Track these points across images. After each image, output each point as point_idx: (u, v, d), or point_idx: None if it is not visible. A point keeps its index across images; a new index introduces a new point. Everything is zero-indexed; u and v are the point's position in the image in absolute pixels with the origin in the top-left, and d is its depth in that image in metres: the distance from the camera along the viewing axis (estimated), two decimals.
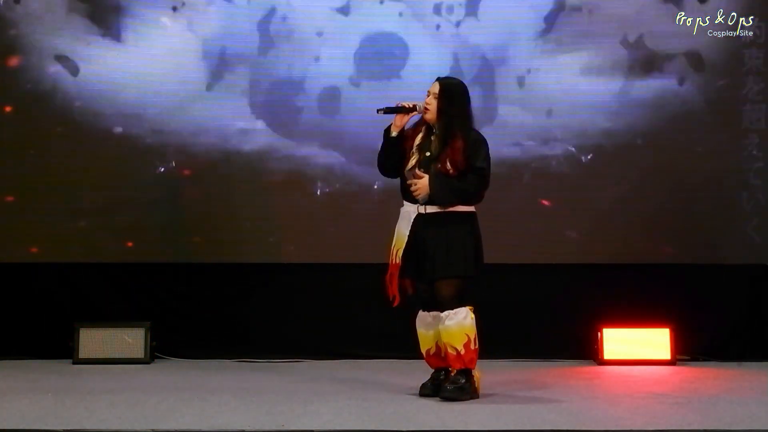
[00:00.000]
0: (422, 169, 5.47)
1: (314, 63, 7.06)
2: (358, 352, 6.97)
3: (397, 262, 5.52)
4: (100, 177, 6.99)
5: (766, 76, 7.02)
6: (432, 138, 5.53)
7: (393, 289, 5.55)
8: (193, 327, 7.06)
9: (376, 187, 6.91)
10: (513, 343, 6.87)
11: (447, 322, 5.44)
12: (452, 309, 5.44)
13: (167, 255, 7.03)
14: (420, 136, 5.56)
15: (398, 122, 5.52)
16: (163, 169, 7.01)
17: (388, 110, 5.53)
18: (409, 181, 5.48)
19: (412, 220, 5.51)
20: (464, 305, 5.47)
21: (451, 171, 5.44)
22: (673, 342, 6.85)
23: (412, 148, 5.54)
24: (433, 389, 5.58)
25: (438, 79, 5.63)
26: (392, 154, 5.56)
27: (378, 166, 5.67)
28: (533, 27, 7.07)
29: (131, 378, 6.29)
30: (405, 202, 5.59)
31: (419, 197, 5.47)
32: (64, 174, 6.96)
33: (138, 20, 7.02)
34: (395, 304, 5.56)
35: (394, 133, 5.53)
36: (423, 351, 5.68)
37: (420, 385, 5.65)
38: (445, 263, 5.44)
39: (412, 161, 5.52)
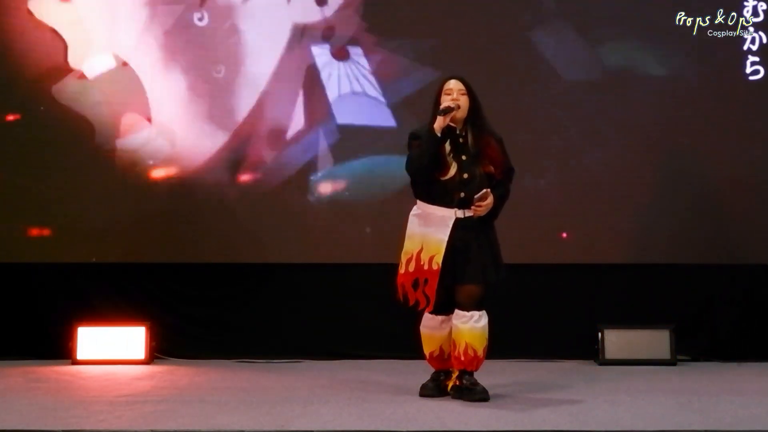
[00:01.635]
0: (467, 175, 5.40)
1: None
2: (358, 352, 6.95)
3: (435, 268, 5.37)
4: (98, 177, 6.98)
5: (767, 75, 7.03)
6: (460, 140, 5.46)
7: (431, 295, 5.40)
8: (193, 327, 7.06)
9: (376, 186, 6.90)
10: (513, 343, 6.85)
11: (474, 324, 5.38)
12: (477, 311, 5.40)
13: (167, 255, 7.03)
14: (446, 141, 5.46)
15: (442, 123, 5.36)
16: (162, 170, 7.01)
17: (445, 111, 5.38)
18: (478, 203, 5.33)
19: (450, 225, 5.40)
20: (483, 309, 5.44)
21: (497, 174, 5.46)
22: (673, 342, 6.84)
23: (444, 155, 5.42)
24: (434, 390, 5.58)
25: (457, 77, 5.51)
26: (438, 156, 5.40)
27: (416, 169, 5.42)
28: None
29: (131, 378, 6.29)
30: (436, 207, 5.42)
31: (478, 214, 5.38)
32: (64, 174, 6.96)
33: None
34: (430, 309, 5.47)
35: (439, 134, 5.37)
36: (426, 353, 5.63)
37: (420, 385, 5.64)
38: (495, 266, 5.45)
39: (453, 170, 5.41)
